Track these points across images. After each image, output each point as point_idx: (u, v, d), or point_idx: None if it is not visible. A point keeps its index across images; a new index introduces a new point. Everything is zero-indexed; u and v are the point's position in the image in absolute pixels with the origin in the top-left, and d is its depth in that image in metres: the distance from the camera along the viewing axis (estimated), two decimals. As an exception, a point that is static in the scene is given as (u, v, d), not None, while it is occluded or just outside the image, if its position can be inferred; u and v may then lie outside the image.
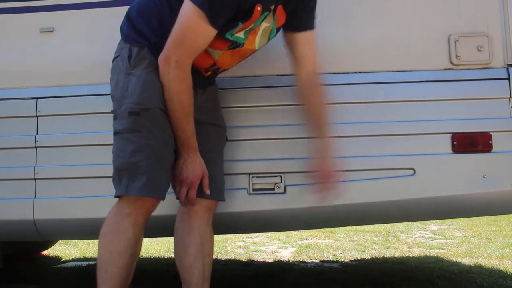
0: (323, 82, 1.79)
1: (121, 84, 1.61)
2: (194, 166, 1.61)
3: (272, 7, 1.58)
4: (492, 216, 7.27)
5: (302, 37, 1.72)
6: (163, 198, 1.59)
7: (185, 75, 1.55)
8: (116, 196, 1.57)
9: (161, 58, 1.55)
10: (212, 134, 1.76)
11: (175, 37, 1.52)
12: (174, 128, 1.58)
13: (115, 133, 1.60)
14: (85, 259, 4.17)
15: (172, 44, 1.52)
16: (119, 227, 1.55)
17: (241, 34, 1.59)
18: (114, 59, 1.70)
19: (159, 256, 4.38)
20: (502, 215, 7.12)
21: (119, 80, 1.63)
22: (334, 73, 2.00)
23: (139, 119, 1.54)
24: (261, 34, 1.64)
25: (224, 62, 1.70)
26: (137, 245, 1.59)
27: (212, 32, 1.51)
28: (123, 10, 1.73)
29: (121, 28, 1.71)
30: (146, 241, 5.28)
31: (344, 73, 2.00)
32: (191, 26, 1.50)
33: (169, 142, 1.59)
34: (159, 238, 5.40)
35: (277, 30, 1.69)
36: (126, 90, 1.59)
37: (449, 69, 1.98)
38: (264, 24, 1.61)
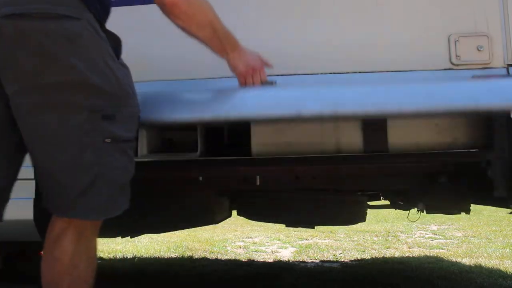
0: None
1: (117, 75, 1.17)
2: (247, 56, 1.44)
3: None
4: (492, 216, 7.28)
5: None
6: None
7: None
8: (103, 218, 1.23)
9: None
10: None
11: None
12: (207, 36, 1.37)
13: (116, 140, 1.16)
14: (85, 259, 4.15)
15: None
16: (93, 253, 1.30)
17: None
18: (64, 16, 1.09)
19: (159, 256, 4.38)
20: (502, 215, 7.13)
21: (106, 65, 1.15)
22: (333, 73, 1.99)
23: None
24: None
25: None
26: None
27: None
28: (123, 10, 1.72)
29: None
30: (146, 241, 5.27)
31: (344, 73, 1.99)
32: None
33: None
34: (159, 238, 5.40)
35: None
36: (124, 85, 1.19)
37: (449, 69, 1.98)
38: None
